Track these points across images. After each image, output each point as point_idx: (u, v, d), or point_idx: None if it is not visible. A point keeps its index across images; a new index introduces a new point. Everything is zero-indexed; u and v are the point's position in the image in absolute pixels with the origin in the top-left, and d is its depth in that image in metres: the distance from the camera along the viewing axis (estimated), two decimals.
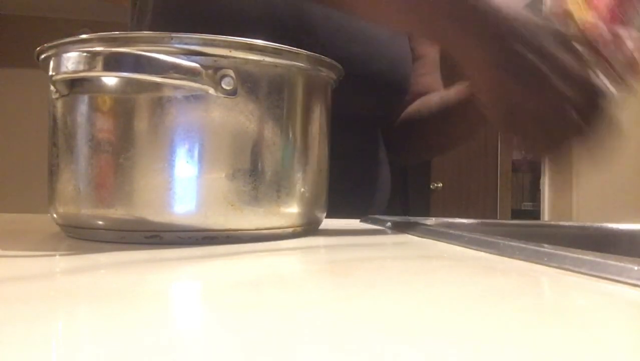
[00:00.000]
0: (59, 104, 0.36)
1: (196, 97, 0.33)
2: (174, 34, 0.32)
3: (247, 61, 0.34)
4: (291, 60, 0.36)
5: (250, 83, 0.34)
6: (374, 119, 0.67)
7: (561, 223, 0.60)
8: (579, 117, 0.40)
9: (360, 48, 0.59)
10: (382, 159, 0.70)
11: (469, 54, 0.41)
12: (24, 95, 3.44)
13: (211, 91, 0.33)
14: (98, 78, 0.33)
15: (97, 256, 0.30)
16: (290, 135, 0.37)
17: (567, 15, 0.44)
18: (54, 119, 0.36)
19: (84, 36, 0.33)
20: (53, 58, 0.32)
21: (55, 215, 0.37)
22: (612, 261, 0.24)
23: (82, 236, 0.36)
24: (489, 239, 0.34)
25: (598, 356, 0.14)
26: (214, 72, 0.33)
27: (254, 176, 0.34)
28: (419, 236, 0.41)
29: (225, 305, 0.19)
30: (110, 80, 0.33)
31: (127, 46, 0.32)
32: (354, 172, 0.64)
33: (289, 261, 0.32)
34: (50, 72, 0.32)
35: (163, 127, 0.33)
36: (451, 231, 0.39)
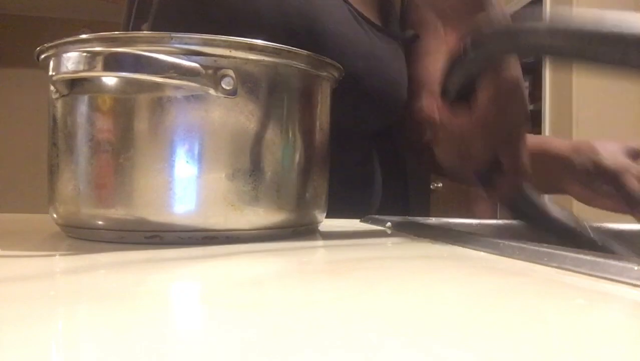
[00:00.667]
0: (59, 104, 0.36)
1: (196, 97, 0.33)
2: (174, 34, 0.32)
3: (247, 60, 0.34)
4: (291, 60, 0.36)
5: (250, 83, 0.34)
6: (368, 132, 0.68)
7: None
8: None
9: (365, 63, 0.60)
10: (375, 166, 0.70)
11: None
12: (24, 95, 3.44)
13: (211, 91, 0.33)
14: (98, 78, 0.33)
15: (97, 256, 0.30)
16: (290, 135, 0.37)
17: None
18: (54, 119, 0.36)
19: (84, 36, 0.33)
20: (53, 58, 0.32)
21: (55, 215, 0.37)
22: (612, 261, 0.24)
23: (82, 236, 0.36)
24: (489, 239, 0.34)
25: (598, 356, 0.14)
26: (214, 72, 0.33)
27: (254, 176, 0.34)
28: (419, 236, 0.41)
29: (225, 304, 0.19)
30: (110, 80, 0.33)
31: (127, 46, 0.32)
32: (348, 178, 0.64)
33: (289, 261, 0.32)
34: (50, 72, 0.32)
35: (163, 127, 0.33)
36: (451, 231, 0.39)
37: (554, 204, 0.38)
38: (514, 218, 0.38)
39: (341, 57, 0.54)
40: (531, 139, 0.62)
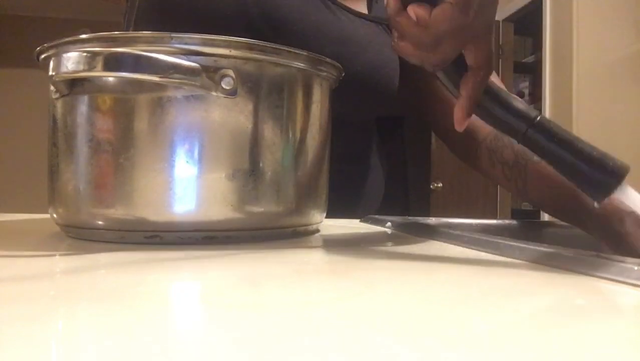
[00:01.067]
0: (59, 104, 0.36)
1: (196, 97, 0.33)
2: (174, 34, 0.32)
3: (247, 61, 0.34)
4: (291, 60, 0.36)
5: (250, 83, 0.34)
6: (360, 123, 0.67)
7: (561, 223, 0.60)
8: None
9: (335, 49, 0.58)
10: (374, 164, 0.69)
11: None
12: (24, 95, 3.44)
13: (211, 91, 0.33)
14: (98, 78, 0.33)
15: (97, 256, 0.30)
16: (290, 135, 0.37)
17: None
18: (54, 119, 0.36)
19: (84, 36, 0.33)
20: (53, 58, 0.32)
21: (55, 215, 0.37)
22: (612, 261, 0.24)
23: (82, 236, 0.36)
24: (489, 239, 0.34)
25: (598, 356, 0.14)
26: (214, 72, 0.33)
27: (254, 176, 0.34)
28: (419, 236, 0.41)
29: (224, 304, 0.19)
30: (110, 80, 0.33)
31: (127, 46, 0.32)
32: (344, 176, 0.63)
33: (289, 261, 0.32)
34: (50, 72, 0.32)
35: (163, 127, 0.33)
36: (451, 231, 0.39)
37: (518, 101, 0.36)
38: (480, 117, 0.37)
39: (306, 43, 0.54)
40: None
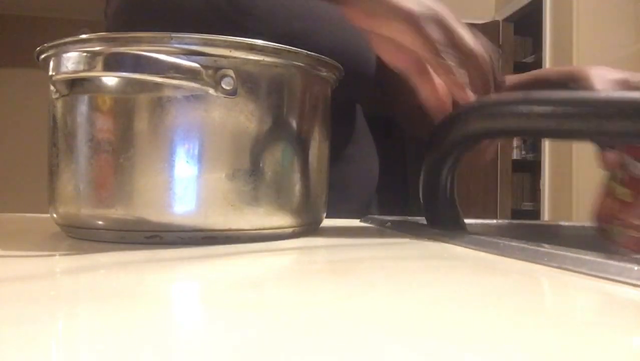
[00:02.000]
0: (59, 104, 0.36)
1: (196, 97, 0.33)
2: (173, 34, 0.32)
3: (247, 61, 0.34)
4: (291, 60, 0.36)
5: (250, 83, 0.34)
6: (336, 108, 0.65)
7: (561, 223, 0.60)
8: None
9: (302, 24, 0.57)
10: (356, 158, 0.67)
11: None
12: (24, 95, 3.45)
13: (211, 91, 0.33)
14: (98, 78, 0.33)
15: (97, 256, 0.30)
16: (290, 135, 0.37)
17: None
18: (54, 119, 0.36)
19: (84, 36, 0.33)
20: (53, 58, 0.32)
21: (55, 215, 0.37)
22: (612, 261, 0.24)
23: (82, 236, 0.36)
24: (489, 239, 0.34)
25: (598, 357, 0.14)
26: (214, 72, 0.33)
27: (254, 176, 0.34)
28: (419, 236, 0.41)
29: (224, 305, 0.19)
30: (110, 80, 0.33)
31: (127, 46, 0.32)
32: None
33: (289, 261, 0.32)
34: (50, 72, 0.32)
35: (163, 127, 0.33)
36: (451, 231, 0.39)
37: None
38: None
39: (272, 20, 0.53)
40: (524, 75, 0.62)
